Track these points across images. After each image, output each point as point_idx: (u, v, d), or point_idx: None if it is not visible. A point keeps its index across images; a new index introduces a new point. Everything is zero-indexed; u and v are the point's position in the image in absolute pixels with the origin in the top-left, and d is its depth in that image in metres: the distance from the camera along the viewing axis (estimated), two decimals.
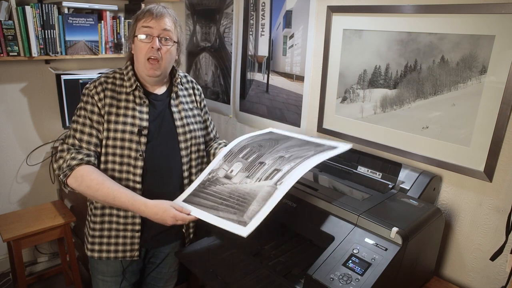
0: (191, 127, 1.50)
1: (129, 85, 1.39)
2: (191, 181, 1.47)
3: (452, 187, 1.45)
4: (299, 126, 2.02)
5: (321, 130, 1.88)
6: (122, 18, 2.45)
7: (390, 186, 1.44)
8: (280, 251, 1.34)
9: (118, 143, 1.35)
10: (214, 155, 1.56)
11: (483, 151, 1.33)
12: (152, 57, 1.34)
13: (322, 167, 1.60)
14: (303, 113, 1.99)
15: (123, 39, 2.47)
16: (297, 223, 1.32)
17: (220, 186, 1.31)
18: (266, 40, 2.13)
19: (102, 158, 1.37)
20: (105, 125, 1.35)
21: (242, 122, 2.41)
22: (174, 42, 1.38)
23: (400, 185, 1.44)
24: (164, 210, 1.26)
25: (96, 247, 1.44)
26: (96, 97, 1.35)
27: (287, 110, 2.08)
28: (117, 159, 1.36)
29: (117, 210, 1.41)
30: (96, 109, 1.35)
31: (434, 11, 1.38)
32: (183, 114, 1.49)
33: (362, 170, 1.57)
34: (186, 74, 1.61)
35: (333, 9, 1.72)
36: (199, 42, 2.64)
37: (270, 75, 2.15)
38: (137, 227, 1.42)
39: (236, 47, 2.34)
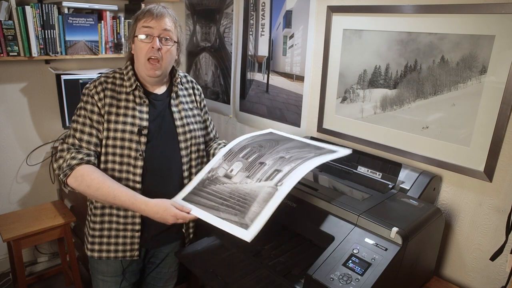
0: (191, 127, 1.50)
1: (129, 85, 1.39)
2: (191, 181, 1.47)
3: (452, 187, 1.45)
4: (299, 126, 2.02)
5: (321, 130, 1.88)
6: (122, 18, 2.45)
7: (390, 186, 1.44)
8: (280, 251, 1.34)
9: (118, 142, 1.35)
10: (213, 155, 1.56)
11: (483, 151, 1.33)
12: (153, 57, 1.34)
13: (322, 167, 1.60)
14: (303, 113, 1.99)
15: (123, 39, 2.47)
16: (297, 223, 1.32)
17: (220, 186, 1.31)
18: (266, 40, 2.13)
19: (102, 158, 1.37)
20: (105, 125, 1.35)
21: (242, 122, 2.41)
22: (174, 42, 1.38)
23: (400, 185, 1.44)
24: (164, 209, 1.27)
25: (96, 247, 1.44)
26: (96, 97, 1.35)
27: (287, 110, 2.08)
28: (117, 158, 1.36)
29: (117, 210, 1.41)
30: (96, 109, 1.35)
31: (434, 11, 1.38)
32: (183, 114, 1.49)
33: (362, 170, 1.57)
34: (186, 74, 1.61)
35: (333, 9, 1.72)
36: (199, 42, 2.64)
37: (270, 75, 2.15)
38: (137, 227, 1.42)
39: (236, 47, 2.34)
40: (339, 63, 1.74)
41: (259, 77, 2.22)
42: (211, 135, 1.67)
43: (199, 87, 1.62)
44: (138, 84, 1.39)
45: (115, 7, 2.41)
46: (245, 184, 1.26)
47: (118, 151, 1.36)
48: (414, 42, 1.46)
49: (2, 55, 2.05)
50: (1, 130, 2.36)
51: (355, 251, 1.10)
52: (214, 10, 2.45)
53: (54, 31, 2.19)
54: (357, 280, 1.02)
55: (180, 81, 1.52)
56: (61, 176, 1.31)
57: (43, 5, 2.12)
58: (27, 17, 2.07)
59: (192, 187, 1.38)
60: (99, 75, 1.43)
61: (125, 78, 1.40)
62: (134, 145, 1.36)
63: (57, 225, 2.13)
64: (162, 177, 1.43)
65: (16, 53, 2.09)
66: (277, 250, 1.35)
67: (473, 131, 1.35)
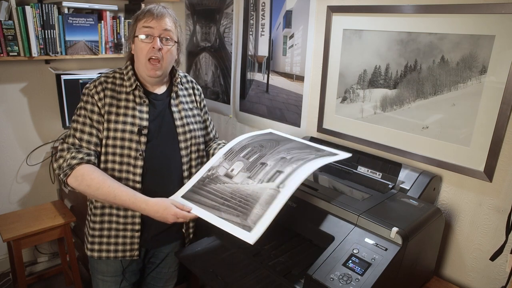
0: (191, 126, 1.50)
1: (129, 85, 1.39)
2: (190, 179, 1.47)
3: (452, 187, 1.45)
4: (299, 126, 2.02)
5: (321, 130, 1.88)
6: (122, 18, 2.45)
7: (390, 186, 1.44)
8: (280, 251, 1.34)
9: (118, 142, 1.35)
10: (213, 155, 1.56)
11: (483, 151, 1.33)
12: (153, 57, 1.34)
13: (322, 167, 1.59)
14: (303, 113, 1.99)
15: (123, 39, 2.47)
16: (297, 223, 1.32)
17: (220, 185, 1.31)
18: (266, 40, 2.13)
19: (102, 158, 1.37)
20: (105, 125, 1.35)
21: (242, 122, 2.41)
22: (175, 42, 1.38)
23: (400, 185, 1.44)
24: (164, 208, 1.27)
25: (96, 247, 1.44)
26: (96, 97, 1.35)
27: (287, 110, 2.08)
28: (117, 158, 1.36)
29: (117, 209, 1.41)
30: (96, 109, 1.35)
31: (434, 11, 1.38)
32: (183, 114, 1.49)
33: (362, 170, 1.57)
34: (186, 74, 1.61)
35: (333, 9, 1.72)
36: (199, 42, 2.64)
37: (270, 75, 2.15)
38: (137, 227, 1.42)
39: (236, 47, 2.34)
40: (339, 63, 1.74)
41: (259, 77, 2.22)
42: (211, 135, 1.67)
43: (199, 87, 1.62)
44: (138, 84, 1.39)
45: (115, 7, 2.41)
46: (246, 185, 1.26)
47: (118, 151, 1.36)
48: (414, 42, 1.46)
49: (2, 55, 2.05)
50: (1, 130, 2.36)
51: (355, 251, 1.10)
52: (214, 10, 2.45)
53: (54, 31, 2.19)
54: (357, 280, 1.02)
55: (180, 81, 1.52)
56: (61, 175, 1.31)
57: (43, 5, 2.12)
58: (27, 17, 2.07)
59: (191, 185, 1.37)
60: (99, 75, 1.43)
61: (125, 78, 1.40)
62: (134, 145, 1.36)
63: (57, 225, 2.13)
64: (162, 177, 1.43)
65: (16, 53, 2.09)
66: (277, 250, 1.35)
67: (473, 131, 1.35)
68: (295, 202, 1.33)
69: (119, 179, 1.35)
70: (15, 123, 2.40)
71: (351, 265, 1.07)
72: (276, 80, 2.11)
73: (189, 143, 1.49)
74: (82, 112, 1.35)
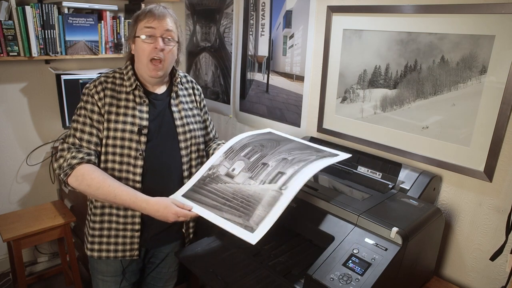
0: (191, 126, 1.50)
1: (129, 85, 1.39)
2: (191, 178, 1.47)
3: (452, 187, 1.45)
4: (299, 126, 2.02)
5: (321, 130, 1.88)
6: (122, 18, 2.45)
7: (390, 186, 1.44)
8: (280, 251, 1.34)
9: (118, 142, 1.36)
10: (212, 155, 1.56)
11: (483, 151, 1.33)
12: (156, 58, 1.34)
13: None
14: (303, 113, 1.99)
15: (123, 39, 2.47)
16: (297, 223, 1.32)
17: (222, 185, 1.31)
18: (266, 40, 2.13)
19: (102, 158, 1.37)
20: (105, 125, 1.35)
21: (242, 122, 2.41)
22: (176, 42, 1.39)
23: (400, 185, 1.44)
24: (165, 207, 1.27)
25: (96, 247, 1.44)
26: (96, 97, 1.35)
27: (287, 110, 2.08)
28: (117, 158, 1.36)
29: (117, 209, 1.41)
30: (96, 109, 1.35)
31: (434, 11, 1.38)
32: (183, 113, 1.49)
33: (362, 170, 1.57)
34: (186, 74, 1.61)
35: (333, 9, 1.72)
36: (199, 42, 2.64)
37: (270, 75, 2.15)
38: (137, 227, 1.42)
39: (236, 47, 2.34)
40: (339, 63, 1.74)
41: (259, 77, 2.22)
42: (211, 135, 1.67)
43: (199, 87, 1.62)
44: (138, 83, 1.39)
45: (115, 7, 2.41)
46: (248, 186, 1.26)
47: (118, 150, 1.36)
48: (414, 42, 1.46)
49: (2, 55, 2.05)
50: (1, 130, 2.36)
51: (355, 251, 1.10)
52: (214, 10, 2.45)
53: (54, 31, 2.19)
54: (357, 280, 1.02)
55: (180, 81, 1.52)
56: (61, 175, 1.31)
57: (43, 5, 2.12)
58: (27, 17, 2.07)
59: (192, 184, 1.37)
60: (99, 75, 1.43)
61: (125, 78, 1.40)
62: (134, 145, 1.36)
63: (57, 225, 2.13)
64: (162, 176, 1.43)
65: (16, 53, 2.09)
66: (277, 250, 1.35)
67: (473, 131, 1.35)
68: (295, 202, 1.32)
69: (119, 179, 1.35)
70: (15, 123, 2.40)
71: (351, 265, 1.07)
72: (276, 80, 2.11)
73: (189, 143, 1.49)
74: (82, 112, 1.35)
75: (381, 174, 1.51)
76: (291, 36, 1.98)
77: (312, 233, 1.29)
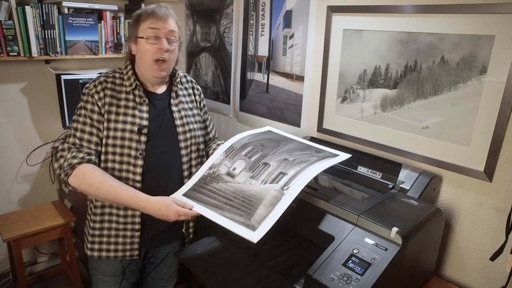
0: (191, 126, 1.50)
1: (128, 84, 1.39)
2: (191, 177, 1.47)
3: (452, 187, 1.45)
4: (299, 126, 2.02)
5: (321, 130, 1.88)
6: (122, 18, 2.45)
7: (390, 186, 1.44)
8: (280, 251, 1.34)
9: (118, 142, 1.36)
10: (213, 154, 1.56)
11: (483, 151, 1.33)
12: (160, 59, 1.34)
13: None
14: (303, 113, 1.99)
15: (123, 39, 2.47)
16: (297, 223, 1.32)
17: (223, 184, 1.31)
18: (266, 40, 2.13)
19: (102, 157, 1.37)
20: (105, 124, 1.35)
21: (242, 122, 2.41)
22: (179, 42, 1.39)
23: (400, 185, 1.44)
24: (166, 206, 1.27)
25: (96, 246, 1.44)
26: (96, 96, 1.35)
27: (287, 110, 2.08)
28: (117, 158, 1.36)
29: (117, 209, 1.41)
30: (96, 108, 1.35)
31: (434, 11, 1.38)
32: (183, 113, 1.49)
33: (362, 170, 1.57)
34: (186, 74, 1.61)
35: (333, 9, 1.72)
36: (199, 42, 2.64)
37: (270, 75, 2.15)
38: (137, 226, 1.42)
39: (236, 47, 2.34)
40: (339, 63, 1.74)
41: (259, 77, 2.22)
42: (211, 135, 1.67)
43: (198, 87, 1.63)
44: (138, 83, 1.39)
45: (115, 7, 2.41)
46: (249, 185, 1.26)
47: (118, 150, 1.36)
48: (414, 42, 1.46)
49: (2, 55, 2.05)
50: (1, 130, 2.36)
51: (355, 251, 1.10)
52: (214, 10, 2.45)
53: (54, 31, 2.19)
54: (357, 280, 1.02)
55: (180, 81, 1.53)
56: (62, 175, 1.31)
57: (43, 5, 2.12)
58: (27, 17, 2.07)
59: (192, 183, 1.38)
60: (99, 75, 1.43)
61: (125, 78, 1.40)
62: (134, 144, 1.36)
63: (57, 225, 2.13)
64: (162, 176, 1.43)
65: (16, 53, 2.09)
66: (277, 250, 1.35)
67: (473, 131, 1.35)
68: (295, 202, 1.32)
69: (119, 179, 1.35)
70: (15, 123, 2.40)
71: (351, 265, 1.07)
72: (276, 80, 2.11)
73: (189, 142, 1.49)
74: (83, 111, 1.35)
75: (381, 174, 1.51)
76: (291, 36, 1.98)
77: (312, 233, 1.29)
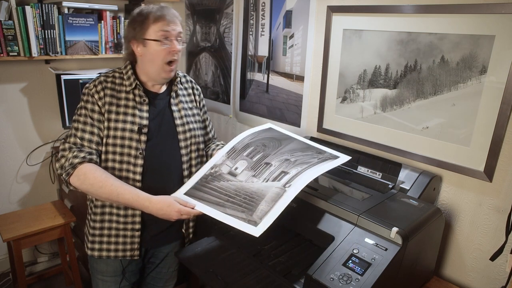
0: (191, 126, 1.50)
1: (128, 84, 1.39)
2: (193, 176, 1.47)
3: (452, 187, 1.45)
4: (299, 126, 2.02)
5: (321, 130, 1.88)
6: (122, 18, 2.45)
7: (390, 186, 1.44)
8: (280, 251, 1.34)
9: (118, 141, 1.36)
10: (211, 156, 1.56)
11: (483, 151, 1.33)
12: (172, 60, 1.35)
13: None
14: (303, 113, 1.99)
15: (123, 39, 2.46)
16: (297, 223, 1.32)
17: (224, 182, 1.32)
18: (266, 40, 2.13)
19: (103, 157, 1.37)
20: (106, 124, 1.35)
21: (242, 122, 2.41)
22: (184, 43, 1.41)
23: (400, 185, 1.44)
24: (168, 205, 1.27)
25: (96, 246, 1.44)
26: (96, 96, 1.35)
27: (287, 110, 2.08)
28: (117, 157, 1.36)
29: (117, 209, 1.41)
30: (96, 108, 1.35)
31: (434, 11, 1.38)
32: (182, 113, 1.49)
33: (362, 170, 1.57)
34: (185, 74, 1.61)
35: (333, 9, 1.72)
36: (199, 42, 2.64)
37: (270, 75, 2.15)
38: (137, 226, 1.42)
39: (236, 47, 2.34)
40: (339, 63, 1.74)
41: (259, 77, 2.22)
42: (210, 135, 1.67)
43: (198, 87, 1.63)
44: (138, 83, 1.39)
45: (115, 7, 2.41)
46: (251, 183, 1.27)
47: (118, 149, 1.36)
48: (414, 42, 1.46)
49: (2, 55, 2.05)
50: (1, 130, 2.36)
51: (355, 251, 1.10)
52: (214, 10, 2.45)
53: (54, 31, 2.19)
54: (357, 280, 1.02)
55: (180, 80, 1.53)
56: (63, 175, 1.31)
57: (43, 5, 2.12)
58: (27, 17, 2.07)
59: (194, 182, 1.38)
60: (99, 75, 1.43)
61: (125, 77, 1.40)
62: (134, 144, 1.36)
63: (57, 225, 2.13)
64: (162, 176, 1.43)
65: (16, 53, 2.09)
66: (277, 250, 1.35)
67: (473, 131, 1.35)
68: (295, 202, 1.32)
69: (119, 178, 1.35)
70: (15, 123, 2.40)
71: (351, 265, 1.07)
72: (276, 80, 2.11)
73: (189, 142, 1.49)
74: (83, 111, 1.36)
75: (381, 174, 1.51)
76: (291, 36, 1.98)
77: (312, 233, 1.29)
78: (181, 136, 1.46)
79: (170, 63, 1.36)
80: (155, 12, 1.33)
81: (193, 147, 1.51)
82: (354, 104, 1.71)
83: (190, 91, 1.58)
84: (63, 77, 2.27)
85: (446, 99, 1.40)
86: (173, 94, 1.48)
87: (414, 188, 1.40)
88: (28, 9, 2.06)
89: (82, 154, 1.30)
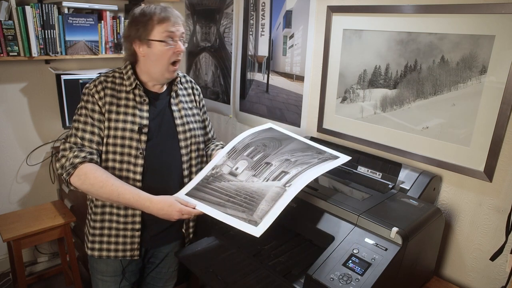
0: (191, 125, 1.50)
1: (128, 84, 1.39)
2: (191, 180, 1.47)
3: (452, 187, 1.45)
4: (299, 126, 2.02)
5: (321, 130, 1.88)
6: (122, 18, 2.45)
7: (390, 186, 1.44)
8: (280, 251, 1.34)
9: (119, 141, 1.36)
10: (210, 156, 1.56)
11: (483, 151, 1.33)
12: (177, 60, 1.37)
13: None
14: (303, 113, 1.99)
15: (123, 40, 2.46)
16: (297, 223, 1.32)
17: (225, 183, 1.32)
18: (266, 40, 2.13)
19: (103, 157, 1.37)
20: (106, 124, 1.35)
21: (242, 122, 2.41)
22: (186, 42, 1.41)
23: (400, 185, 1.44)
24: (169, 205, 1.27)
25: (96, 246, 1.44)
26: (96, 96, 1.35)
27: (287, 110, 2.08)
28: (118, 157, 1.36)
29: (117, 209, 1.41)
30: (97, 108, 1.35)
31: (434, 11, 1.38)
32: (183, 113, 1.49)
33: (362, 170, 1.57)
34: (185, 74, 1.61)
35: (333, 9, 1.72)
36: (199, 42, 2.64)
37: (270, 75, 2.15)
38: (137, 226, 1.42)
39: (236, 47, 2.34)
40: (339, 63, 1.74)
41: (259, 77, 2.22)
42: (209, 135, 1.67)
43: (198, 87, 1.63)
44: (138, 83, 1.39)
45: (115, 7, 2.41)
46: (251, 183, 1.28)
47: (118, 149, 1.36)
48: (414, 42, 1.46)
49: (2, 55, 2.05)
50: (1, 130, 2.36)
51: (355, 251, 1.10)
52: (214, 10, 2.45)
53: (54, 31, 2.19)
54: (357, 280, 1.02)
55: (180, 80, 1.53)
56: (64, 175, 1.31)
57: (43, 5, 2.12)
58: (27, 17, 2.07)
59: (195, 183, 1.38)
60: (99, 75, 1.43)
61: (125, 77, 1.40)
62: (134, 144, 1.36)
63: (57, 225, 2.13)
64: (162, 175, 1.43)
65: (16, 53, 2.09)
66: (277, 250, 1.35)
67: (473, 131, 1.35)
68: (295, 202, 1.32)
69: (119, 178, 1.35)
70: (15, 123, 2.40)
71: (351, 265, 1.07)
72: (276, 80, 2.11)
73: (189, 142, 1.49)
74: (83, 111, 1.36)
75: (381, 174, 1.51)
76: (291, 36, 1.98)
77: (312, 233, 1.29)
78: (181, 136, 1.46)
79: (174, 63, 1.37)
80: (159, 13, 1.32)
81: (193, 147, 1.51)
82: (354, 104, 1.71)
83: (190, 91, 1.58)
84: (63, 77, 2.27)
85: (446, 99, 1.40)
86: (173, 94, 1.48)
87: (414, 188, 1.40)
88: (28, 9, 2.06)
89: (82, 154, 1.30)
